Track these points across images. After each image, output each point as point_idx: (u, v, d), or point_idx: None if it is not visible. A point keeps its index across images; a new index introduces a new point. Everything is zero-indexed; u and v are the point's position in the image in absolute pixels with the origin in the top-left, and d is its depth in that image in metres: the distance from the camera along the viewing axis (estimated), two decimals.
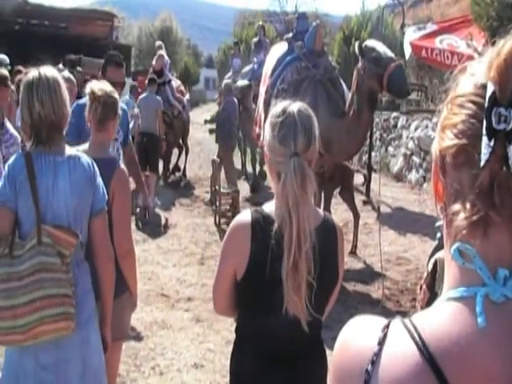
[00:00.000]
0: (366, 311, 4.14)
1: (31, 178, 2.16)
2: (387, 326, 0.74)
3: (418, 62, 13.86)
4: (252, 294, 1.82)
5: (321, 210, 1.98)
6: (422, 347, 0.68)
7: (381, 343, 0.72)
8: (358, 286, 5.64)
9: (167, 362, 4.04)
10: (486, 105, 0.67)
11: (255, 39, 12.60)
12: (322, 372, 1.88)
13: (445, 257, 0.77)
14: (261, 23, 14.01)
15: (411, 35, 10.35)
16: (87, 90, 2.77)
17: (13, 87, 4.70)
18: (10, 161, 2.25)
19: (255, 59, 11.43)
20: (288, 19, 23.71)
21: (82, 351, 2.24)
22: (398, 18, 16.22)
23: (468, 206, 0.69)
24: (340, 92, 5.96)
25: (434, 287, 2.73)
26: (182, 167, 10.83)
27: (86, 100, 2.89)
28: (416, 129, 10.39)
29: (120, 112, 2.95)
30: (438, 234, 2.86)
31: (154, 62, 10.10)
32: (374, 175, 9.52)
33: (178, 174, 10.81)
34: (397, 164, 10.95)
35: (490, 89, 0.67)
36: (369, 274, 5.97)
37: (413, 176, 10.32)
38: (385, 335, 0.73)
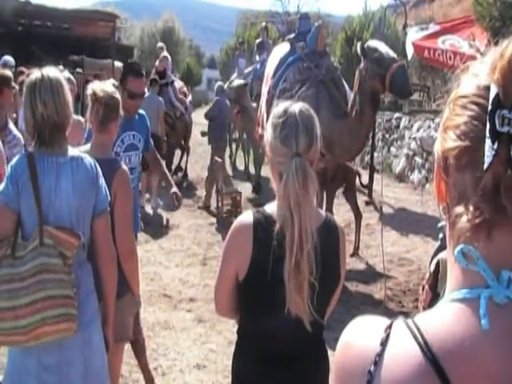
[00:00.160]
0: (368, 312, 4.12)
1: (34, 179, 2.16)
2: (390, 327, 0.74)
3: (421, 62, 13.85)
4: (254, 294, 1.82)
5: (322, 211, 1.98)
6: (425, 348, 0.68)
7: (383, 344, 0.72)
8: (360, 287, 5.63)
9: (169, 363, 4.04)
10: (490, 107, 0.66)
11: (258, 40, 12.60)
12: (323, 372, 1.87)
13: (448, 258, 0.77)
14: (264, 24, 14.02)
15: (413, 35, 10.35)
16: (89, 91, 2.77)
17: (17, 87, 4.71)
18: (13, 161, 2.25)
19: (257, 58, 11.44)
20: (290, 20, 23.71)
21: (84, 352, 2.24)
22: (400, 19, 16.23)
23: (471, 208, 0.68)
24: (342, 92, 5.96)
25: (437, 288, 2.72)
26: (184, 168, 10.85)
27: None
28: (418, 129, 10.38)
29: (137, 118, 2.93)
30: (441, 235, 2.85)
31: (157, 63, 10.12)
32: (376, 176, 9.51)
33: (179, 175, 10.81)
34: (399, 164, 10.93)
35: (494, 91, 0.67)
36: (371, 275, 5.96)
37: (415, 176, 10.31)
38: (387, 336, 0.73)
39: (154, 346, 4.24)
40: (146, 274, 5.58)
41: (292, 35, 6.70)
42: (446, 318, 0.70)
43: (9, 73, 4.53)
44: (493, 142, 0.65)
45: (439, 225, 2.81)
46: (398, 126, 11.32)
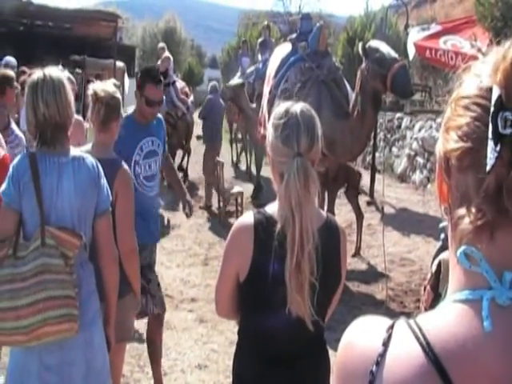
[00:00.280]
0: (369, 312, 4.12)
1: (35, 179, 2.16)
2: (392, 327, 0.73)
3: (422, 62, 13.85)
4: (254, 295, 1.82)
5: (323, 212, 1.98)
6: (427, 348, 0.68)
7: (385, 344, 0.72)
8: (362, 287, 5.63)
9: (171, 363, 4.04)
10: (492, 109, 0.66)
11: (260, 39, 12.58)
12: (324, 373, 1.87)
13: (450, 259, 0.76)
14: (266, 23, 14.00)
15: (415, 36, 10.33)
16: (90, 91, 2.78)
17: (19, 87, 4.71)
18: (15, 161, 2.25)
19: (260, 57, 11.43)
20: (292, 20, 23.70)
21: (85, 352, 2.24)
22: (401, 19, 16.21)
23: (474, 210, 0.68)
24: (344, 92, 5.95)
25: (438, 288, 2.72)
26: (185, 168, 10.85)
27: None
28: (420, 129, 10.37)
29: (154, 122, 2.92)
30: (442, 235, 2.86)
31: (159, 64, 10.12)
32: (377, 176, 9.51)
33: (181, 175, 10.82)
34: (401, 165, 10.93)
35: (496, 93, 0.66)
36: (372, 275, 5.96)
37: (417, 177, 10.30)
38: (389, 336, 0.72)
39: None
40: None
41: (294, 35, 6.70)
42: (448, 319, 0.70)
43: (11, 73, 4.55)
44: (495, 144, 0.65)
45: (441, 225, 2.81)
46: (399, 126, 11.31)
